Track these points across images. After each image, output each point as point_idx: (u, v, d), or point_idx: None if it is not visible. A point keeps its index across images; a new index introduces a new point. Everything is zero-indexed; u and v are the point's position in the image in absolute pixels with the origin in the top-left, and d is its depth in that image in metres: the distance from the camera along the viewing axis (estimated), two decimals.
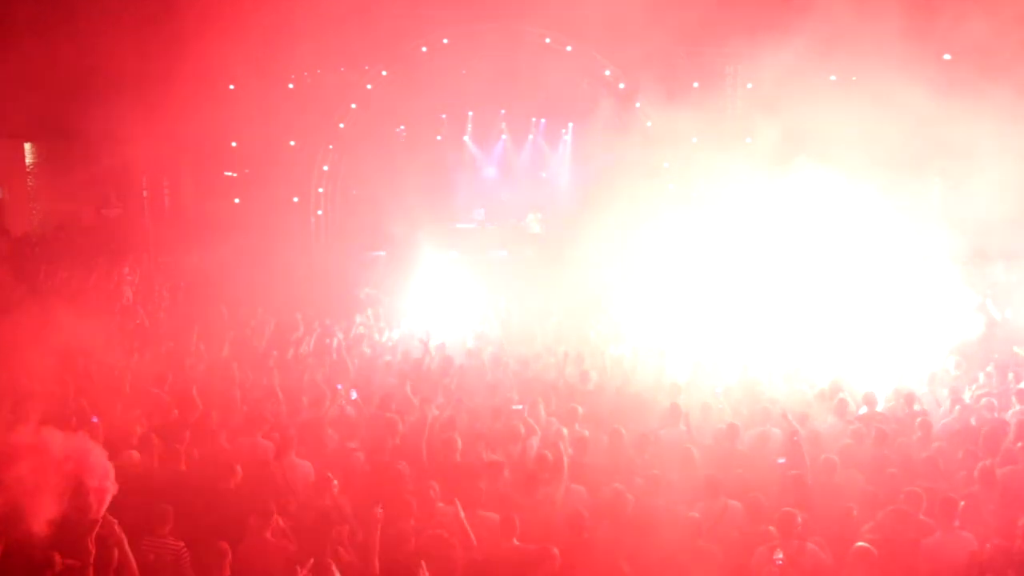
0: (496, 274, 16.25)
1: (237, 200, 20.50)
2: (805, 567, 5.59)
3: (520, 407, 8.79)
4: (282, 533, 5.98)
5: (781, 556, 5.45)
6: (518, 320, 13.95)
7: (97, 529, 4.90)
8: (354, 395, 9.47)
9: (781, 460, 7.27)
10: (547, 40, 19.03)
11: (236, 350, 11.18)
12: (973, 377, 10.12)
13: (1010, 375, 10.15)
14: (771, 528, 5.78)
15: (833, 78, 16.65)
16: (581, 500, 6.63)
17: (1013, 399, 9.23)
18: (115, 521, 4.94)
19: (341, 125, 20.15)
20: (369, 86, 19.85)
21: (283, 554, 5.80)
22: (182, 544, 5.71)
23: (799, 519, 5.82)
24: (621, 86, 19.76)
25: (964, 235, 12.05)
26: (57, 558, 5.08)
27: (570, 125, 24.32)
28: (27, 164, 21.27)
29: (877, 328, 11.30)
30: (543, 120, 24.53)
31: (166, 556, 5.66)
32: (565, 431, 7.98)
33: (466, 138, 24.95)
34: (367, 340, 12.65)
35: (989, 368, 10.25)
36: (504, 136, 25.08)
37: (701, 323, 12.20)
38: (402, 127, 23.30)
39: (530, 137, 25.07)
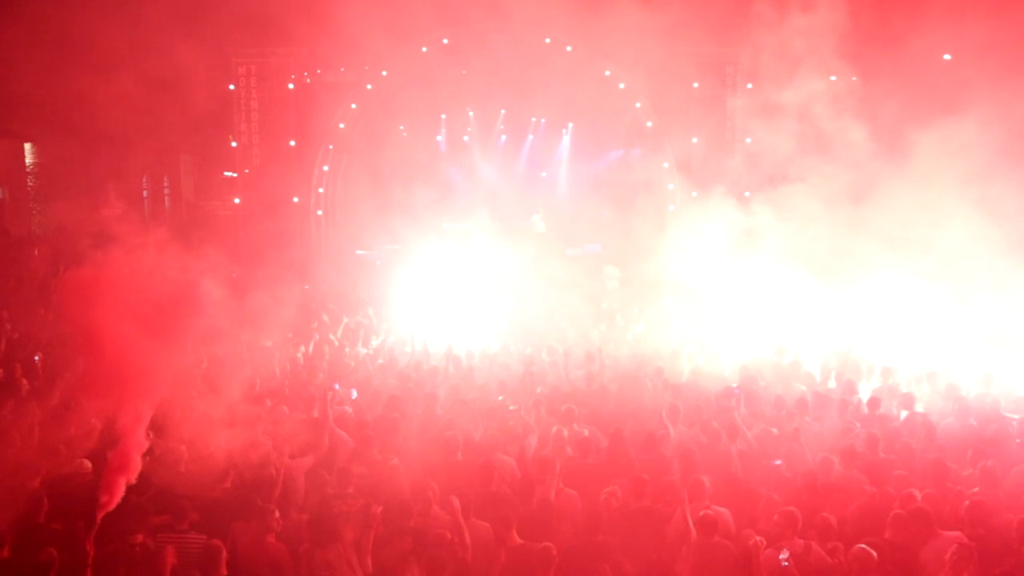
0: (499, 274, 16.16)
1: (237, 200, 20.50)
2: (809, 567, 5.56)
3: (514, 407, 8.77)
4: (283, 534, 5.97)
5: (787, 556, 5.40)
6: (521, 320, 13.92)
7: (96, 530, 4.91)
8: (354, 395, 9.45)
9: (778, 462, 7.22)
10: (547, 40, 19.03)
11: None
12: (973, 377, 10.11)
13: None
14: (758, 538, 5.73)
15: (833, 78, 16.63)
16: (573, 503, 6.61)
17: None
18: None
19: (341, 125, 20.14)
20: (369, 86, 19.85)
21: (283, 555, 5.79)
22: (204, 538, 5.72)
23: (800, 519, 5.80)
24: (621, 86, 19.75)
25: None
26: (55, 555, 5.10)
27: (570, 125, 24.33)
28: (27, 164, 21.29)
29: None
30: (543, 120, 24.53)
31: (189, 550, 5.67)
32: (565, 432, 7.95)
33: (465, 138, 24.94)
34: (364, 340, 12.63)
35: (989, 369, 10.22)
36: (504, 136, 25.08)
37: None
38: (402, 127, 23.30)
39: (530, 137, 25.06)
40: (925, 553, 5.66)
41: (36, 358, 10.42)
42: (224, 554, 5.31)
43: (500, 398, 9.18)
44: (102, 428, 7.22)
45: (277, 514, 5.96)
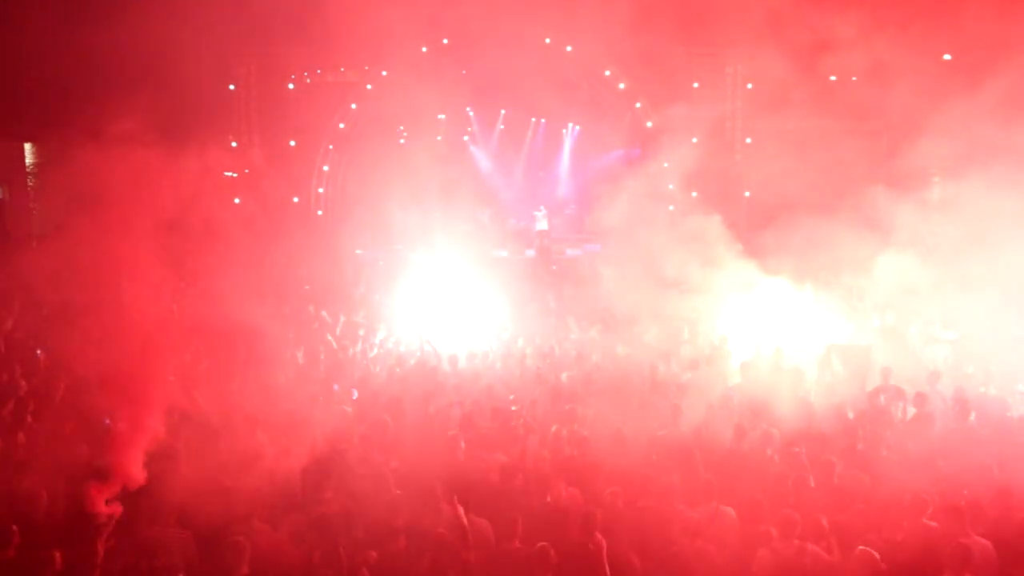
0: (500, 274, 16.17)
1: (237, 200, 20.48)
2: (806, 568, 5.56)
3: (516, 407, 8.79)
4: (292, 535, 5.96)
5: None
6: (523, 320, 13.91)
7: (108, 530, 4.91)
8: (355, 395, 9.46)
9: None
10: (547, 40, 19.04)
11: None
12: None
13: None
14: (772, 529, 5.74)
15: (833, 78, 16.64)
16: (576, 503, 6.61)
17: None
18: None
19: (341, 125, 20.15)
20: (369, 86, 19.85)
21: (287, 559, 5.78)
22: (188, 533, 5.71)
23: (800, 522, 5.77)
24: (621, 86, 19.76)
25: None
26: (57, 557, 5.09)
27: (571, 126, 24.34)
28: (27, 164, 21.27)
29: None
30: (543, 120, 24.53)
31: (172, 545, 5.66)
32: (565, 432, 7.95)
33: (466, 138, 24.94)
34: (364, 341, 12.62)
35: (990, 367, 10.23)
36: (504, 136, 25.08)
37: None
38: (401, 127, 23.27)
39: (530, 137, 25.07)
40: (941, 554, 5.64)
41: (38, 352, 10.41)
42: (248, 552, 5.24)
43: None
44: (111, 427, 7.22)
45: (295, 516, 5.95)
